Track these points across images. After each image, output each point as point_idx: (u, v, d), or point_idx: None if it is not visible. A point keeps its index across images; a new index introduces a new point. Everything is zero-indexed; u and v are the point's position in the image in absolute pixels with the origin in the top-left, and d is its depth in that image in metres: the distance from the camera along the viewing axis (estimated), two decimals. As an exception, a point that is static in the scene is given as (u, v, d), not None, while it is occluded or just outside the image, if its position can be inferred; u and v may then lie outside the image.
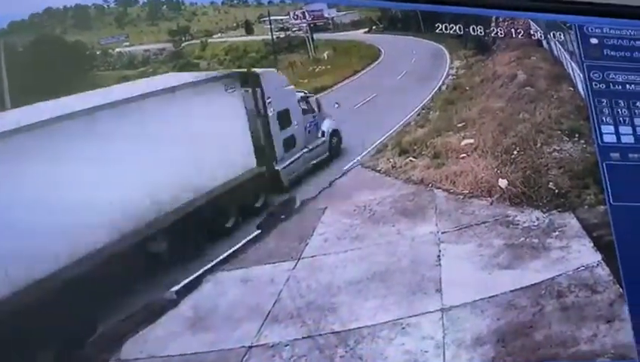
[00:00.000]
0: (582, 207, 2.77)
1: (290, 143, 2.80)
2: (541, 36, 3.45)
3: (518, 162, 3.26)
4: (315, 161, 2.93)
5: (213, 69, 7.03)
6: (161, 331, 1.94)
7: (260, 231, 2.70)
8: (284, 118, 2.86)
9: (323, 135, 3.01)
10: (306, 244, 2.73)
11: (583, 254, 2.47)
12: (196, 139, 2.32)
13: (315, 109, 3.13)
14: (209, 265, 2.32)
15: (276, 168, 2.62)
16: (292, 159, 2.75)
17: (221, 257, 2.40)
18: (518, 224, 2.88)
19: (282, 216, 2.94)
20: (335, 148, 3.06)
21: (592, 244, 2.48)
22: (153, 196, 2.13)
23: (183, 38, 5.78)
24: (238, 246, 2.63)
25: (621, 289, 2.07)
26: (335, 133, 3.13)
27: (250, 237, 2.66)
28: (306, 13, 10.85)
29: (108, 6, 3.29)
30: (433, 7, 2.91)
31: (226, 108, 2.57)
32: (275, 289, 2.25)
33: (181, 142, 2.29)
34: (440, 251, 2.79)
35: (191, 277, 2.19)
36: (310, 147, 2.98)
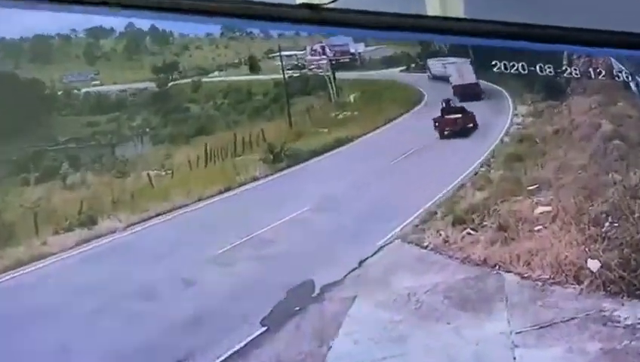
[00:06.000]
0: None
1: None
2: (627, 77, 3.35)
3: (612, 237, 3.11)
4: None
5: (208, 117, 7.13)
6: None
7: (265, 328, 2.53)
8: None
9: None
10: (329, 348, 2.56)
11: None
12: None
13: None
14: (198, 372, 2.16)
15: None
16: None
17: (216, 362, 2.24)
18: (618, 321, 2.71)
19: (295, 308, 2.80)
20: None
21: None
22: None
23: (170, 77, 5.88)
24: (236, 348, 2.46)
25: None
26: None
27: (253, 336, 2.49)
28: (327, 48, 11.33)
29: (75, 36, 3.27)
30: (489, 41, 2.82)
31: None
32: (286, 410, 2.07)
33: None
34: (515, 359, 2.62)
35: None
36: None
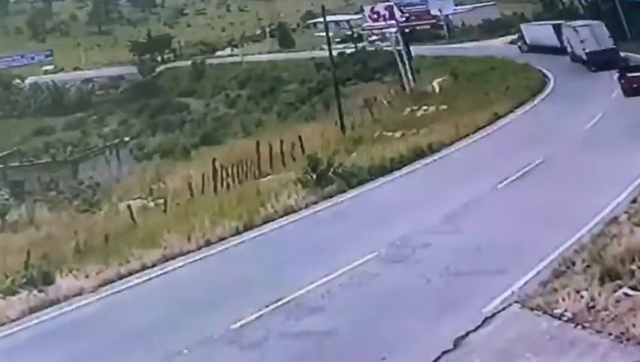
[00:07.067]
0: None
1: None
2: None
3: None
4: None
5: (217, 117, 7.36)
6: None
7: None
8: None
9: None
10: None
11: None
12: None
13: None
14: None
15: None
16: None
17: None
18: None
19: None
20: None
21: None
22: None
23: (160, 58, 6.03)
24: None
25: None
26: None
27: None
28: (396, 9, 11.95)
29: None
30: None
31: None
32: None
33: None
34: None
35: None
36: None
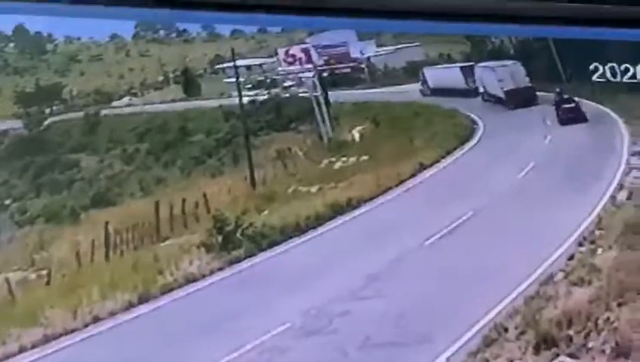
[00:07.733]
0: None
1: None
2: None
3: None
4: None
5: (111, 176, 7.24)
6: None
7: None
8: None
9: None
10: None
11: None
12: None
13: None
14: None
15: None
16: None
17: None
18: None
19: None
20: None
21: None
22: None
23: (49, 110, 5.85)
24: None
25: None
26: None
27: None
28: (313, 52, 11.73)
29: None
30: (587, 31, 2.87)
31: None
32: None
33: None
34: None
35: None
36: None
